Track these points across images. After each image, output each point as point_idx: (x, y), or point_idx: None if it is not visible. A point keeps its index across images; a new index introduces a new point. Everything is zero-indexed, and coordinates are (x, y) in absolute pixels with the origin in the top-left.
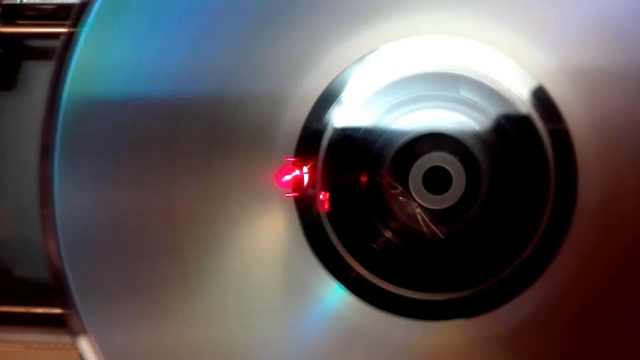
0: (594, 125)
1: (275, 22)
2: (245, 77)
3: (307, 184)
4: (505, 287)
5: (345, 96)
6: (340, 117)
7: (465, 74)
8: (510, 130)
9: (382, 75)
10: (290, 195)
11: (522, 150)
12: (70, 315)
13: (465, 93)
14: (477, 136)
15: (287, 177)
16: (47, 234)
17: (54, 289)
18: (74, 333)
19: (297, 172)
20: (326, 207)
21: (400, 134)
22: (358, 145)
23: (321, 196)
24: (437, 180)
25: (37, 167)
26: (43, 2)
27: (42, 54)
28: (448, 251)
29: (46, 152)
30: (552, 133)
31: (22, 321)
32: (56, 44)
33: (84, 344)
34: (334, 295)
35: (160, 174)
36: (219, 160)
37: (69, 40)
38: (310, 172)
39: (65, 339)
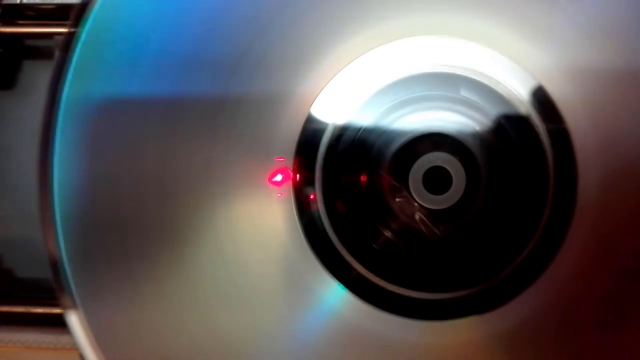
0: (594, 125)
1: (276, 22)
2: (245, 77)
3: (307, 184)
4: (504, 287)
5: (342, 94)
6: (340, 117)
7: (465, 74)
8: (510, 130)
9: (382, 75)
10: (290, 195)
11: (522, 151)
12: (62, 291)
13: (465, 93)
14: (477, 136)
15: (280, 177)
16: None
17: (50, 264)
18: (64, 308)
19: (297, 172)
20: (326, 207)
21: (400, 134)
22: (358, 145)
23: (321, 196)
24: (437, 180)
25: (36, 166)
26: (43, 2)
27: (42, 54)
28: (448, 251)
29: (45, 151)
30: (552, 133)
31: (22, 321)
32: (56, 44)
33: (73, 319)
34: (334, 295)
35: (160, 174)
36: (219, 160)
37: (69, 40)
38: (309, 172)
39: (65, 339)
